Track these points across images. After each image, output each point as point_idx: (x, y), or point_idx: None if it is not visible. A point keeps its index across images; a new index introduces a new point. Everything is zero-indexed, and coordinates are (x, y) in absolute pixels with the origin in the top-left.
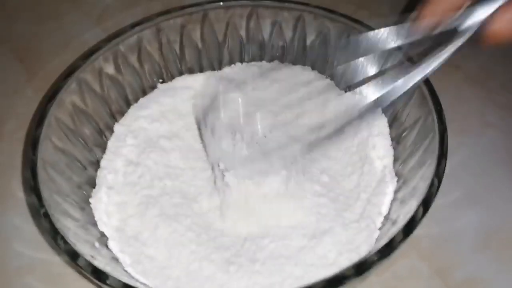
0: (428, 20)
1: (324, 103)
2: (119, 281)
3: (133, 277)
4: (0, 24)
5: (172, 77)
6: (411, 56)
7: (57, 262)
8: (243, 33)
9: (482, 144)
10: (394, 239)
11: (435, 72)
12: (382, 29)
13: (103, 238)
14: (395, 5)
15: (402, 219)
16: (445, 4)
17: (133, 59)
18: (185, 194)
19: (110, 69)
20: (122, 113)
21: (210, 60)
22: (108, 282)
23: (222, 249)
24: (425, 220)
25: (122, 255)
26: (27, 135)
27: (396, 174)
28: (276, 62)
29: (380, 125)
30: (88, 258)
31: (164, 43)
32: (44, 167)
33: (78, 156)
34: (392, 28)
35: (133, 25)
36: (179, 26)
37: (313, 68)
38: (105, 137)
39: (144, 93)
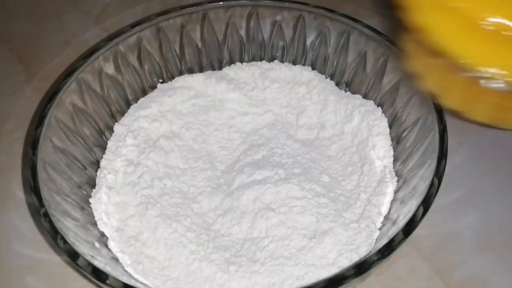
0: None
1: (324, 103)
2: (119, 281)
3: (133, 277)
4: (0, 24)
5: (172, 77)
6: None
7: (57, 262)
8: (243, 33)
9: (482, 144)
10: (394, 239)
11: None
12: None
13: (103, 238)
14: (396, 4)
15: (402, 219)
16: None
17: (133, 59)
18: (185, 194)
19: (110, 69)
20: (122, 113)
21: (210, 60)
22: (108, 282)
23: (222, 249)
24: (425, 220)
25: (122, 255)
26: (27, 135)
27: (396, 174)
28: (276, 62)
29: (380, 125)
30: (88, 258)
31: (164, 43)
32: (44, 167)
33: (78, 156)
34: None
35: (133, 25)
36: (179, 26)
37: (313, 68)
38: (105, 137)
39: (144, 93)
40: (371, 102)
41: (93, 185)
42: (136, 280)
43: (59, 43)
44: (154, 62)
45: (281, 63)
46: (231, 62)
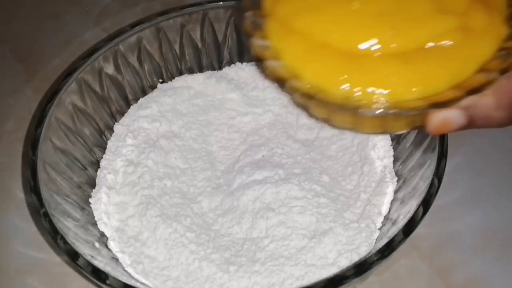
0: None
1: None
2: (119, 281)
3: (133, 277)
4: (0, 24)
5: (172, 77)
6: None
7: (57, 262)
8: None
9: (482, 144)
10: (394, 239)
11: None
12: None
13: (103, 238)
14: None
15: (402, 219)
16: None
17: (133, 59)
18: (185, 194)
19: (110, 69)
20: (122, 113)
21: (210, 60)
22: (108, 282)
23: (222, 249)
24: (425, 220)
25: (122, 255)
26: (27, 135)
27: (396, 174)
28: None
29: None
30: (88, 258)
31: (164, 43)
32: (44, 167)
33: (78, 156)
34: None
35: (133, 25)
36: (179, 26)
37: None
38: (105, 137)
39: (144, 93)
40: None
41: (93, 185)
42: (136, 280)
43: (59, 43)
44: (154, 62)
45: None
46: (231, 62)
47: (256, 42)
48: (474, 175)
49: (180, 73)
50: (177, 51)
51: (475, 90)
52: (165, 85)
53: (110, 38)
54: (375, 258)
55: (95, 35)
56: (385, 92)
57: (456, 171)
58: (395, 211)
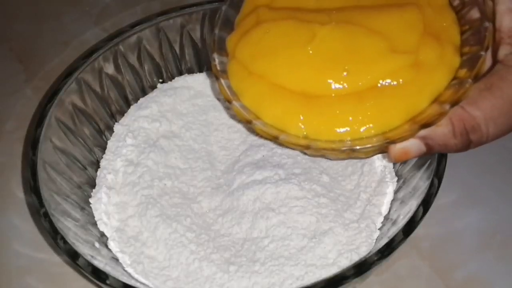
0: None
1: None
2: (119, 281)
3: (133, 277)
4: (0, 24)
5: (172, 77)
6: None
7: (57, 262)
8: None
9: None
10: (394, 239)
11: None
12: None
13: (103, 238)
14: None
15: (402, 219)
16: None
17: (133, 59)
18: (185, 194)
19: (110, 69)
20: (122, 113)
21: (210, 60)
22: (108, 282)
23: (222, 249)
24: (425, 220)
25: (122, 255)
26: (27, 135)
27: (396, 174)
28: None
29: None
30: (88, 258)
31: (164, 43)
32: (44, 167)
33: (78, 156)
34: None
35: (133, 25)
36: (179, 26)
37: None
38: (105, 137)
39: (144, 93)
40: None
41: (93, 185)
42: (136, 280)
43: (59, 43)
44: (154, 62)
45: None
46: None
47: (223, 84)
48: (473, 175)
49: (180, 73)
50: (177, 51)
51: (429, 124)
52: (165, 85)
53: (110, 38)
54: (375, 258)
55: (95, 35)
56: (342, 130)
57: (456, 171)
58: (395, 211)
